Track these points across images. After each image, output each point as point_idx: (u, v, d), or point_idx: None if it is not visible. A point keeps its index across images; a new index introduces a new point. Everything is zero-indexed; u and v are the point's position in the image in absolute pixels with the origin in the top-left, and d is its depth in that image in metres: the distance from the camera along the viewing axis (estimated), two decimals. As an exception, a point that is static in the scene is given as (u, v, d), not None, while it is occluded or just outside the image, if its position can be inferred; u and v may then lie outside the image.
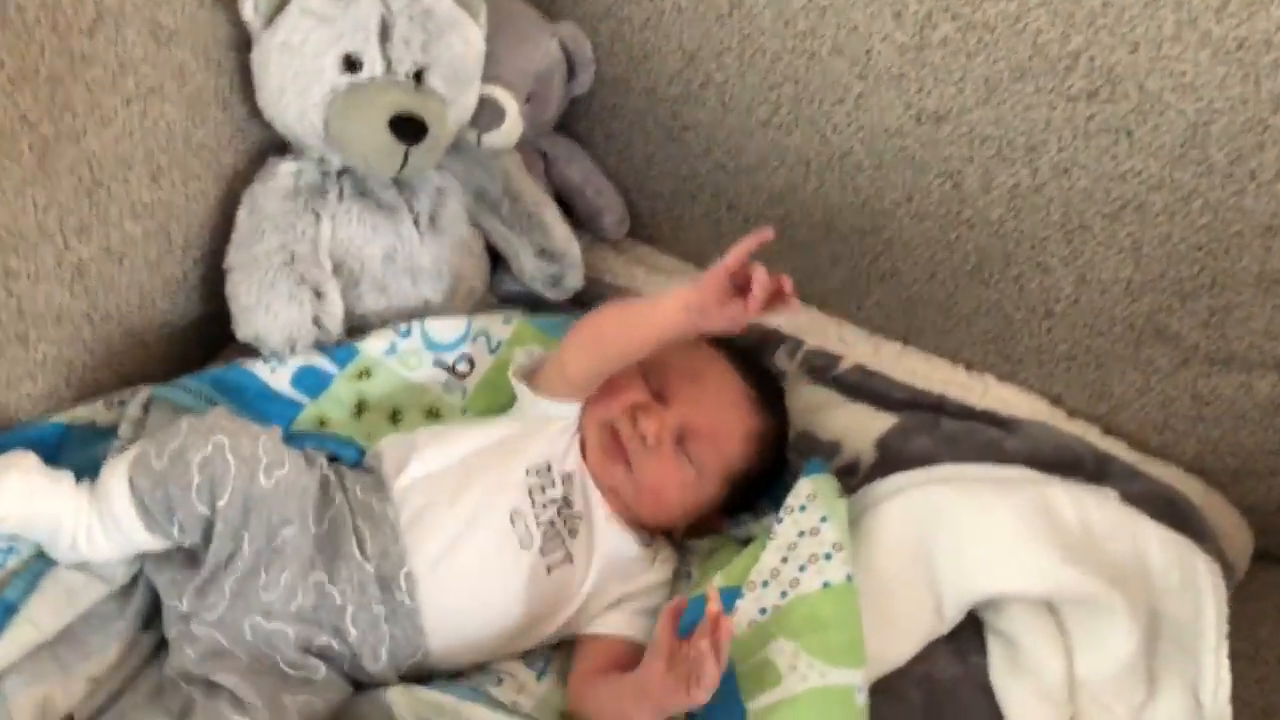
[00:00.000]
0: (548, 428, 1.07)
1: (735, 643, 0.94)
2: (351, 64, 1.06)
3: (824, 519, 1.01)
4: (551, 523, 1.03)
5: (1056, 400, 1.18)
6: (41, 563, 0.95)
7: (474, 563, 1.00)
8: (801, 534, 1.01)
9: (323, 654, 0.96)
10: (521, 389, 1.09)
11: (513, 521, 1.02)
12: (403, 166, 1.07)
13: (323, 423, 1.11)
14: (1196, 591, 1.02)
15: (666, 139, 1.25)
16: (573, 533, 1.04)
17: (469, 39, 1.11)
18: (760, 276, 0.95)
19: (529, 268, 1.23)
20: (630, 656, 1.02)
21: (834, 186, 1.16)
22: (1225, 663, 1.00)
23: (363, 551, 0.97)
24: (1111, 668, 0.99)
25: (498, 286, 1.28)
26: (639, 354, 1.04)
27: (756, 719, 0.90)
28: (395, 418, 1.15)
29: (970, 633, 1.03)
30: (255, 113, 1.12)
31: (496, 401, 1.16)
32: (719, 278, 0.96)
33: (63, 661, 0.93)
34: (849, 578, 0.97)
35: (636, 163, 1.30)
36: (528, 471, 1.04)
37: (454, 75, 1.10)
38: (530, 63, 1.21)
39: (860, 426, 1.17)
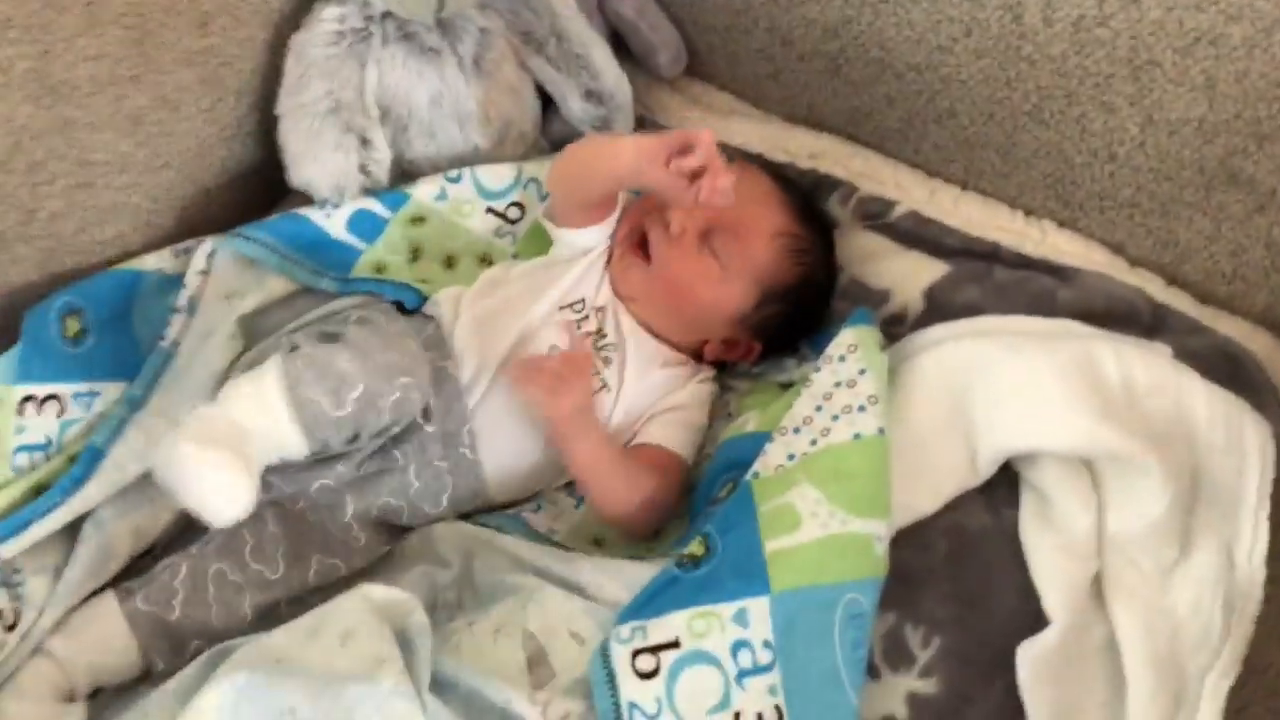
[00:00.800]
0: (579, 262, 1.09)
1: (759, 484, 0.95)
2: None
3: (862, 371, 1.01)
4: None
5: (1118, 249, 1.13)
6: (125, 408, 1.01)
7: (518, 401, 1.03)
8: (838, 384, 1.01)
9: (382, 516, 1.00)
10: (547, 225, 1.12)
11: (550, 354, 1.05)
12: (440, 6, 1.06)
13: (380, 268, 1.14)
14: (1241, 451, 1.00)
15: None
16: (607, 361, 1.06)
17: None
18: (711, 178, 0.94)
19: (576, 110, 1.21)
20: (667, 463, 1.05)
21: (889, 20, 1.11)
22: (1265, 524, 0.99)
23: (425, 412, 1.00)
24: (1141, 525, 0.98)
25: (548, 129, 1.27)
26: (604, 189, 1.06)
27: (774, 560, 0.92)
28: (450, 263, 1.17)
29: (1005, 486, 1.03)
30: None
31: (546, 247, 1.17)
32: (673, 140, 0.96)
33: (149, 495, 0.99)
34: (881, 431, 0.97)
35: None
36: (560, 307, 1.07)
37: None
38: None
39: (911, 274, 1.15)
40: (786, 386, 1.11)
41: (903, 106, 1.16)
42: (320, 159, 1.10)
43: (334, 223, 1.13)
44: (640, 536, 1.05)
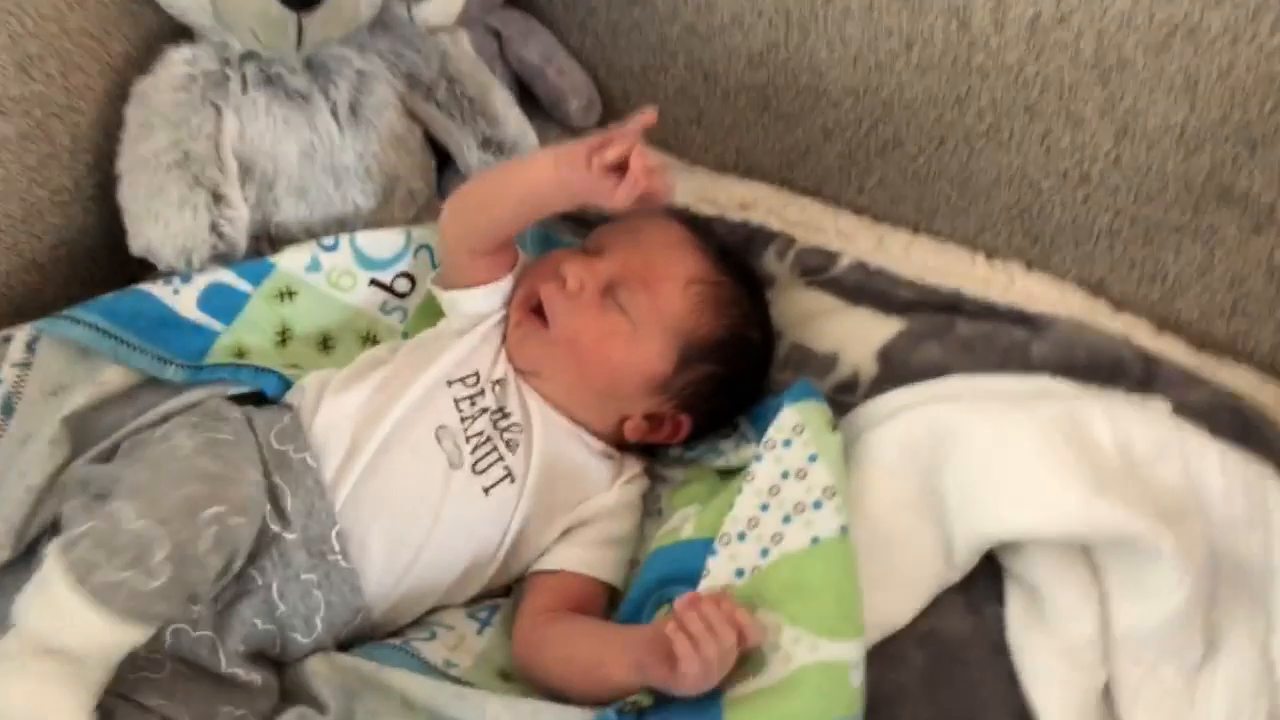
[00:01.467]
0: (472, 332, 0.94)
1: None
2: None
3: (813, 457, 0.85)
4: (484, 436, 0.90)
5: (1098, 288, 0.99)
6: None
7: (399, 489, 0.87)
8: (785, 475, 0.85)
9: (248, 642, 0.83)
10: (435, 291, 0.98)
11: (439, 439, 0.88)
12: (299, 42, 0.92)
13: (241, 353, 0.97)
14: (1267, 524, 0.83)
15: (631, 2, 1.08)
16: (511, 445, 0.90)
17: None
18: (637, 159, 0.83)
19: (474, 162, 1.07)
20: (589, 595, 0.89)
21: (819, 39, 0.99)
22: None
23: (282, 517, 0.84)
24: (1158, 621, 0.81)
25: (445, 188, 1.12)
26: (515, 214, 0.93)
27: (734, 711, 0.75)
28: (326, 345, 1.01)
29: (987, 579, 0.87)
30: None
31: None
32: (592, 140, 0.85)
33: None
34: (843, 530, 0.81)
35: (600, 34, 1.14)
36: (449, 383, 0.91)
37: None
38: (464, -85, 1.04)
39: (861, 334, 1.00)
40: (726, 474, 0.95)
41: (841, 139, 1.03)
42: (163, 218, 0.94)
43: (183, 299, 0.97)
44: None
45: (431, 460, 0.88)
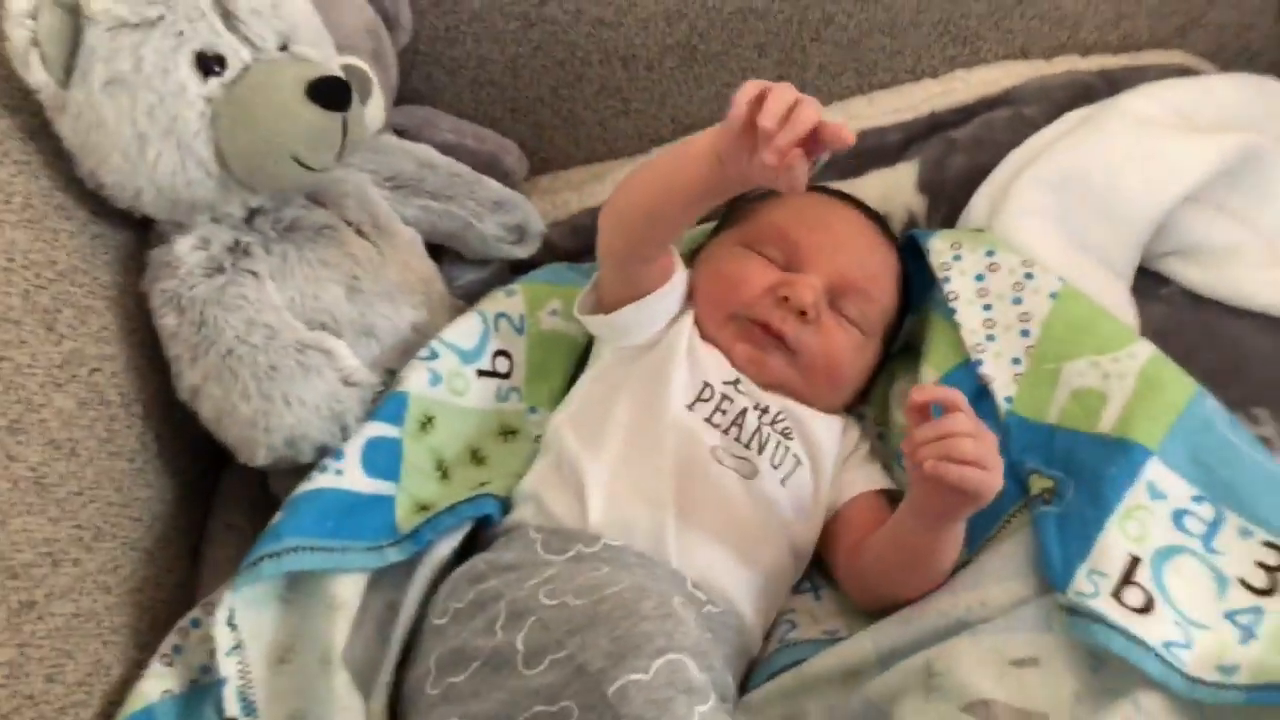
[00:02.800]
0: (671, 345, 0.87)
1: (1021, 403, 0.85)
2: (209, 65, 0.80)
3: (989, 252, 0.94)
4: (763, 434, 0.86)
5: (1024, 52, 1.15)
6: None
7: (719, 525, 0.81)
8: (980, 276, 0.92)
9: None
10: (597, 320, 0.89)
11: (720, 460, 0.83)
12: (341, 149, 0.83)
13: (424, 507, 0.84)
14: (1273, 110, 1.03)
15: (524, 26, 1.09)
16: (787, 434, 0.87)
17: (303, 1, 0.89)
18: (784, 112, 0.67)
19: (490, 230, 1.02)
20: (877, 510, 0.89)
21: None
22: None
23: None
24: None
25: (452, 283, 1.05)
26: (687, 215, 0.83)
27: (1127, 429, 0.80)
28: (477, 458, 0.91)
29: (1139, 280, 0.98)
30: (100, 210, 0.83)
31: (556, 378, 0.97)
32: (735, 119, 0.70)
33: None
34: (1061, 279, 0.90)
35: (501, 80, 1.12)
36: (690, 407, 0.85)
37: (316, 39, 0.88)
38: (358, 17, 1.00)
39: (890, 187, 1.08)
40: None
41: (776, 47, 1.11)
42: (294, 397, 0.81)
43: (350, 474, 0.82)
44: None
45: (727, 484, 0.83)
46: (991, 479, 0.71)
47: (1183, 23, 1.17)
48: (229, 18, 0.81)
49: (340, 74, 0.83)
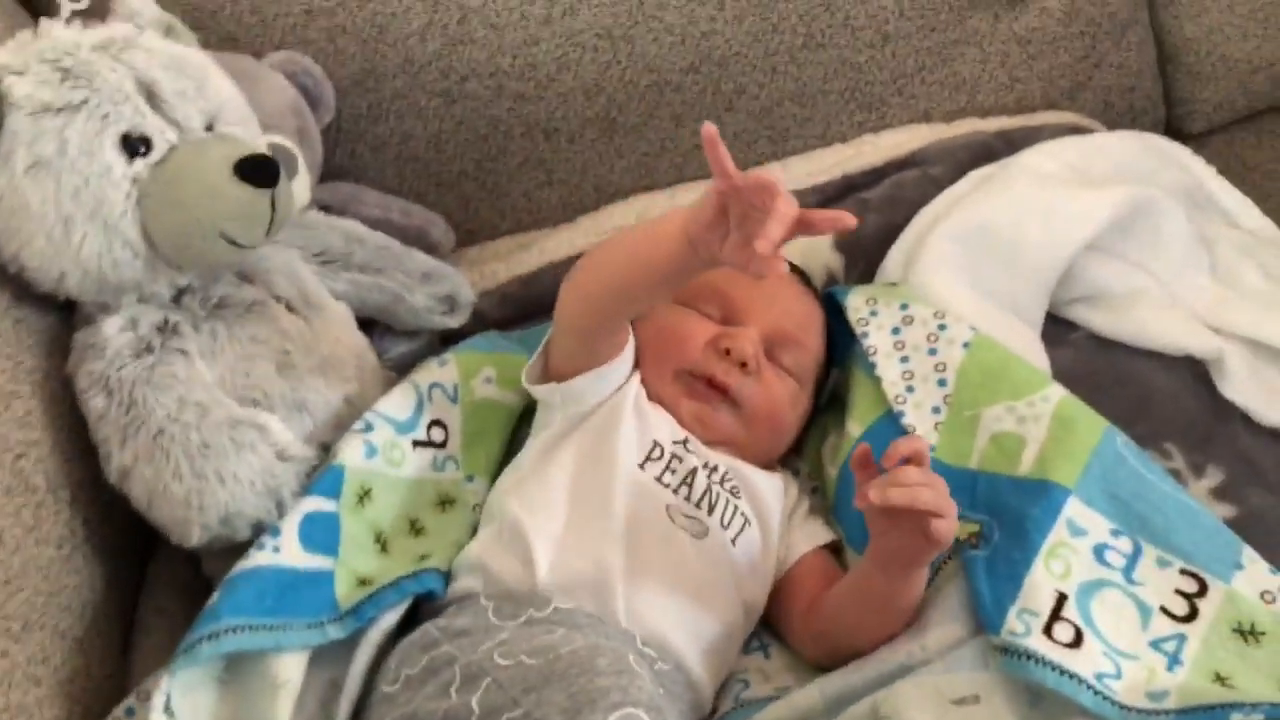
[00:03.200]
0: (621, 415, 0.88)
1: (946, 451, 0.88)
2: (135, 146, 0.81)
3: (903, 305, 0.98)
4: (713, 493, 0.87)
5: (926, 116, 1.22)
6: None
7: (669, 583, 0.82)
8: (896, 330, 0.96)
9: None
10: (548, 389, 0.89)
11: (672, 518, 0.84)
12: (270, 226, 0.84)
13: (364, 582, 0.84)
14: (1172, 158, 1.10)
15: (446, 103, 1.11)
16: (735, 492, 0.88)
17: (224, 80, 0.90)
18: (774, 200, 0.67)
19: (420, 301, 1.02)
20: (827, 565, 0.91)
21: (647, 40, 1.10)
22: (1235, 192, 1.09)
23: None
24: (1179, 249, 1.03)
25: (383, 355, 1.05)
26: (654, 294, 0.84)
27: (1043, 470, 0.84)
28: (415, 529, 0.90)
29: (1048, 326, 1.02)
30: (22, 294, 0.82)
31: (493, 446, 0.97)
32: (710, 200, 0.72)
33: None
34: (973, 329, 0.94)
35: (424, 155, 1.14)
36: (641, 465, 0.86)
37: (242, 118, 0.89)
38: (281, 97, 1.01)
39: (808, 245, 1.10)
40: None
41: (690, 117, 1.15)
42: (228, 473, 0.80)
43: (288, 550, 0.81)
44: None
45: (679, 543, 0.84)
46: (951, 525, 0.74)
47: (1070, 85, 1.24)
48: (154, 99, 0.82)
49: (267, 151, 0.84)
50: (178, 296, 0.87)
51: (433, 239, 1.15)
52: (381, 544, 0.88)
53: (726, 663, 0.86)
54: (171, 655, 0.74)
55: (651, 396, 0.92)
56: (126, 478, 0.80)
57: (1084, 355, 1.00)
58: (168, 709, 0.73)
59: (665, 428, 0.89)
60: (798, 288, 0.99)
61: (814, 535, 0.92)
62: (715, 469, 0.89)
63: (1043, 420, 0.86)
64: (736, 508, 0.87)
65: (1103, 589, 0.78)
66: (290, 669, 0.76)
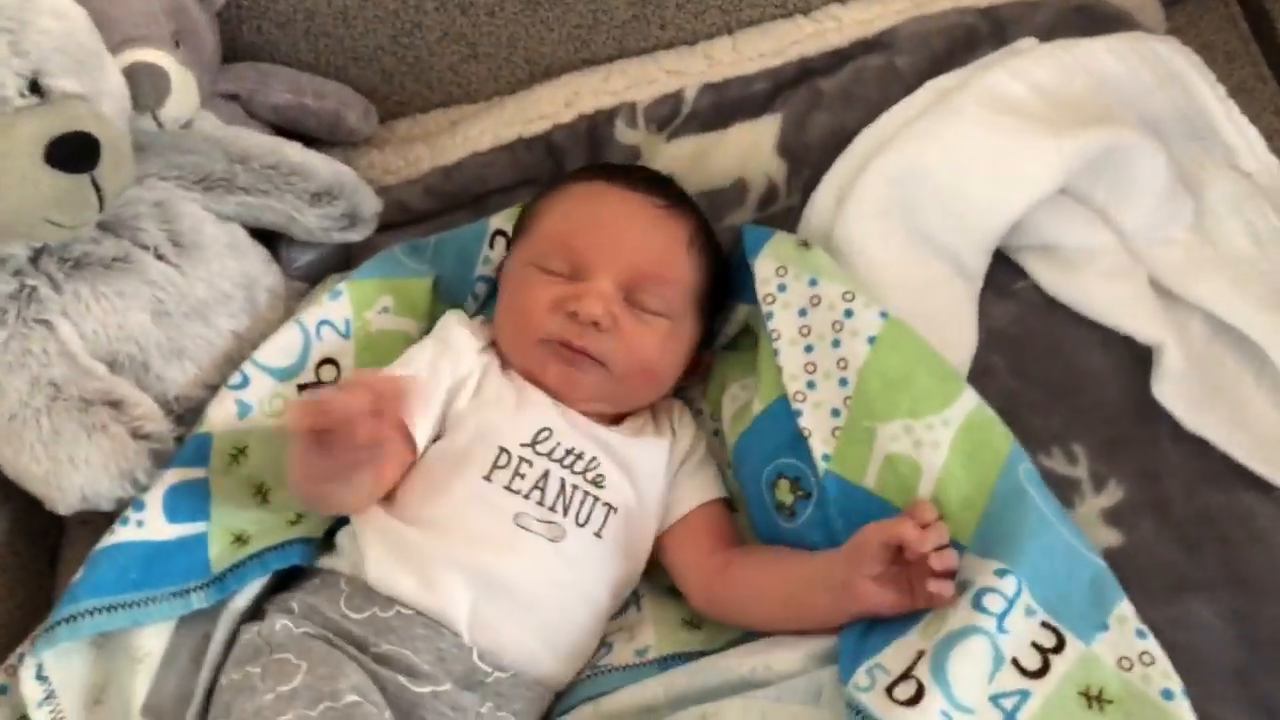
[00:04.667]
0: (457, 434, 0.86)
1: (840, 462, 0.81)
2: (-56, 126, 0.77)
3: (812, 281, 0.87)
4: (570, 487, 0.85)
5: (907, -17, 1.03)
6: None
7: (525, 593, 0.82)
8: (803, 312, 0.87)
9: None
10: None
11: (525, 527, 0.82)
12: (101, 203, 0.80)
13: (240, 539, 0.86)
14: (1172, 73, 0.92)
15: (357, -26, 1.00)
16: (598, 482, 0.86)
17: (60, 11, 0.82)
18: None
19: (313, 221, 0.98)
20: (721, 516, 0.89)
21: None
22: (1244, 120, 0.91)
23: (419, 676, 0.78)
24: (1154, 201, 0.89)
25: (288, 267, 1.03)
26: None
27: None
28: None
29: (997, 267, 0.91)
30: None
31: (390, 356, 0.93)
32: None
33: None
34: (883, 314, 0.84)
35: (334, 30, 1.05)
36: (487, 479, 0.83)
37: (77, 63, 0.81)
38: (147, 2, 0.92)
39: (749, 147, 1.01)
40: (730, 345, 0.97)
41: (627, -14, 1.01)
42: (79, 458, 0.82)
43: (151, 525, 0.84)
44: None
45: (533, 550, 0.82)
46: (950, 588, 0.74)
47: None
48: (-41, 67, 0.76)
49: (82, 126, 0.77)
50: (35, 258, 0.86)
51: (349, 124, 1.09)
52: (262, 495, 0.89)
53: (591, 643, 0.86)
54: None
55: (517, 369, 0.88)
56: (-11, 455, 0.84)
57: (1024, 313, 0.90)
58: (40, 675, 0.80)
59: (511, 429, 0.85)
60: (649, 215, 0.90)
61: (704, 489, 0.90)
62: (579, 457, 0.86)
63: (941, 448, 0.79)
64: (596, 500, 0.85)
65: (969, 637, 0.72)
66: (150, 641, 0.82)
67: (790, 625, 0.80)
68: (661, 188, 0.93)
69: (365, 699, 0.74)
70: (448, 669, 0.79)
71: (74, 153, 0.77)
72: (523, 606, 0.81)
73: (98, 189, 0.79)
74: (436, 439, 0.86)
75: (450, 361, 0.87)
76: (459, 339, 0.89)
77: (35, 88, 0.79)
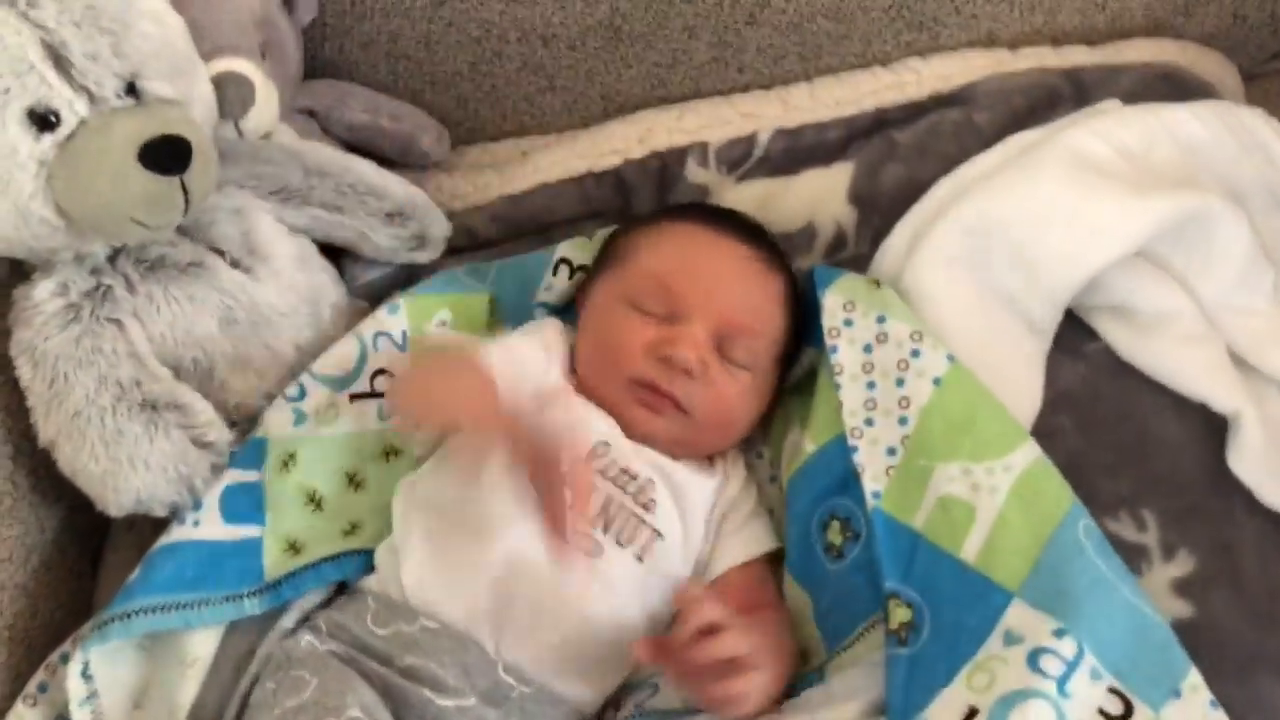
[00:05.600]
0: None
1: (890, 501, 0.80)
2: (43, 120, 0.77)
3: (880, 319, 0.87)
4: (616, 504, 0.83)
5: (990, 40, 1.03)
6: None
7: (553, 604, 0.80)
8: (868, 348, 0.86)
9: None
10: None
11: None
12: (187, 206, 0.81)
13: (294, 547, 0.87)
14: (1260, 146, 0.91)
15: (434, 4, 1.01)
16: (648, 506, 0.84)
17: (159, 16, 0.83)
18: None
19: (383, 241, 0.99)
20: (753, 577, 0.87)
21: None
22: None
23: (445, 689, 0.77)
24: (1236, 270, 0.87)
25: (352, 284, 1.03)
26: None
27: (986, 564, 0.76)
28: (354, 483, 0.91)
29: (1068, 327, 0.90)
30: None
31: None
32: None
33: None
34: (950, 359, 0.83)
35: (415, 54, 1.06)
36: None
37: (173, 69, 0.83)
38: (241, 12, 0.94)
39: (820, 193, 1.00)
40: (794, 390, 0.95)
41: (708, 29, 1.02)
42: (139, 460, 0.82)
43: (208, 526, 0.85)
44: None
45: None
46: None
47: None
48: (62, 65, 0.77)
49: (177, 130, 0.78)
50: (114, 257, 0.86)
51: (422, 147, 1.09)
52: (316, 503, 0.89)
53: (618, 668, 0.85)
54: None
55: (597, 400, 0.88)
56: (52, 447, 0.84)
57: (1094, 375, 0.88)
58: (86, 674, 0.80)
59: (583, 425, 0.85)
60: (749, 264, 0.90)
61: (747, 545, 0.88)
62: (633, 478, 0.85)
63: (999, 494, 0.77)
64: (642, 522, 0.84)
65: (1028, 700, 0.70)
66: (201, 646, 0.82)
67: None
68: (759, 239, 0.92)
69: (370, 717, 0.73)
70: (473, 683, 0.78)
71: (168, 155, 0.77)
72: (549, 620, 0.80)
73: (185, 192, 0.79)
74: None
75: (541, 368, 0.88)
76: (556, 346, 0.90)
77: (131, 90, 0.80)
